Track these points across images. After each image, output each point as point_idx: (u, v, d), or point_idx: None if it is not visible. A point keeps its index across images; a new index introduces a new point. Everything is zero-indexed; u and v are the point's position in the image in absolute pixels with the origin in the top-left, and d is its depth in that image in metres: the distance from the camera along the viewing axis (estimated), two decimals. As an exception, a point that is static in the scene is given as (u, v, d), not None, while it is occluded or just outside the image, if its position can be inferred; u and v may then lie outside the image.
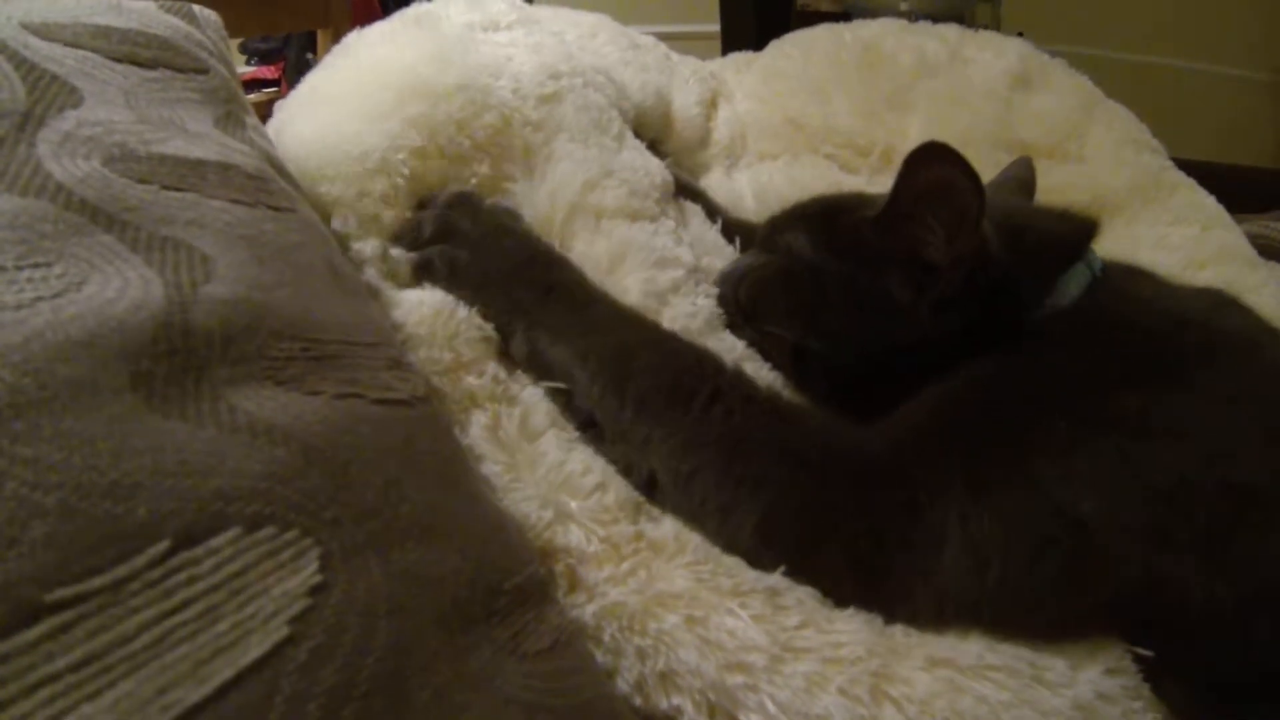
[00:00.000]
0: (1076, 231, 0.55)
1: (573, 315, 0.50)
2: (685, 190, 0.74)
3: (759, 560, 0.43)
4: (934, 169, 0.48)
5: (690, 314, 0.56)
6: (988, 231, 0.50)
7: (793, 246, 0.58)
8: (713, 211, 0.74)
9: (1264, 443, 0.43)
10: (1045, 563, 0.40)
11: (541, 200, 0.57)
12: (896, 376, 0.51)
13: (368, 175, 0.51)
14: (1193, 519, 0.40)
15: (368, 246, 0.50)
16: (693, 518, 0.45)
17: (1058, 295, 0.51)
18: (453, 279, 0.50)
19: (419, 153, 0.54)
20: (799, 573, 0.42)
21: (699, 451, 0.45)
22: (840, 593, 0.42)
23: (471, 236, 0.52)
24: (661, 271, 0.57)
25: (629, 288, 0.55)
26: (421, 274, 0.51)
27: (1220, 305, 0.52)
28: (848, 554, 0.43)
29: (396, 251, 0.52)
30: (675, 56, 0.93)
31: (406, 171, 0.53)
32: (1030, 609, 0.41)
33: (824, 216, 0.58)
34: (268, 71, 2.22)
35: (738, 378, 0.49)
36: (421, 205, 0.54)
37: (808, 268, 0.56)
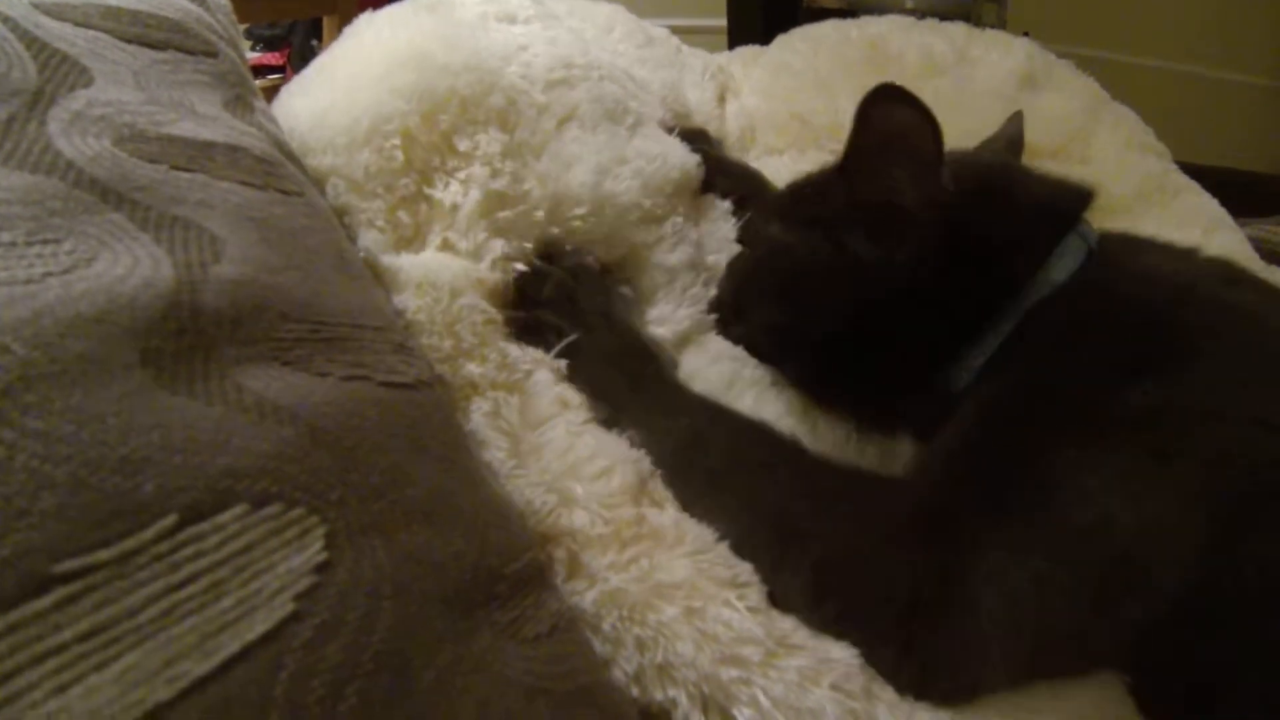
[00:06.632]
0: (1069, 198, 0.53)
1: (654, 403, 0.52)
2: (730, 172, 0.74)
3: (818, 624, 0.42)
4: (886, 109, 0.47)
5: (663, 319, 0.58)
6: (948, 177, 0.49)
7: (769, 234, 0.58)
8: (758, 196, 0.73)
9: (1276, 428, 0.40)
10: (1079, 597, 0.39)
11: (549, 186, 0.57)
12: (888, 360, 0.51)
13: (357, 145, 0.51)
14: (1213, 522, 0.38)
15: (359, 218, 0.50)
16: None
17: (1052, 269, 0.48)
18: (552, 346, 0.51)
19: (416, 120, 0.53)
20: (854, 640, 0.41)
21: (752, 513, 0.46)
22: (887, 666, 0.40)
23: (584, 311, 0.53)
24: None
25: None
26: (524, 334, 0.51)
27: (1228, 278, 0.50)
28: (892, 624, 0.41)
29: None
30: (686, 49, 0.93)
31: (398, 141, 0.52)
32: (1065, 651, 0.40)
33: (790, 195, 0.59)
34: (273, 58, 2.21)
35: (795, 444, 0.50)
36: (546, 257, 0.55)
37: (780, 249, 0.56)
